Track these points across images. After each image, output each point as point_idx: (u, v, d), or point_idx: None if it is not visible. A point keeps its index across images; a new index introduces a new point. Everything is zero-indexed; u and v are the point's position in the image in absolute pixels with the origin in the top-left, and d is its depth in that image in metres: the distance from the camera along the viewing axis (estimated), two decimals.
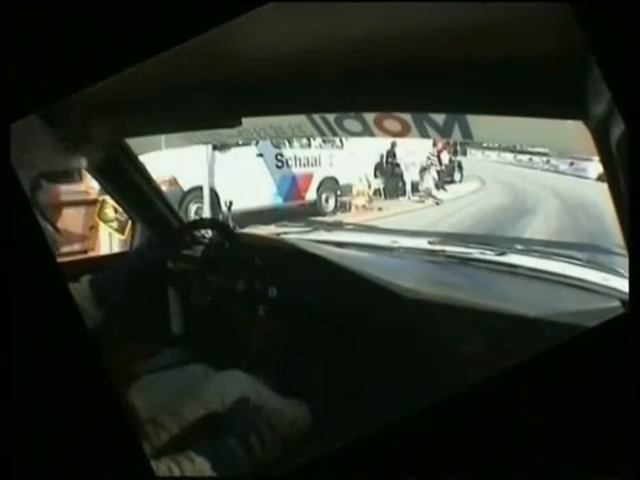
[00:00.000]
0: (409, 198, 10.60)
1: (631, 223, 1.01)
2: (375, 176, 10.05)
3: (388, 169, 10.41)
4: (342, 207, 9.74)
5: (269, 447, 1.45)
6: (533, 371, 1.05)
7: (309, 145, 9.27)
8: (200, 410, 1.51)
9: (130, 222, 2.52)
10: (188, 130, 2.37)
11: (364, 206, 9.78)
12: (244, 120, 1.91)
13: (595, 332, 1.09)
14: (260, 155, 8.45)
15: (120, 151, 2.20)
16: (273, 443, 1.47)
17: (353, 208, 9.77)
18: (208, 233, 2.46)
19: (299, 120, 2.24)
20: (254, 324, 2.03)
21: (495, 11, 1.00)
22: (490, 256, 2.13)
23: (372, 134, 2.13)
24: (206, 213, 7.35)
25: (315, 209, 9.31)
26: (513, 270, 1.99)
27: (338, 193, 9.64)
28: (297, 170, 9.12)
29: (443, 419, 1.03)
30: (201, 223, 3.42)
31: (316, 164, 9.36)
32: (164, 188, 3.68)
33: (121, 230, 2.72)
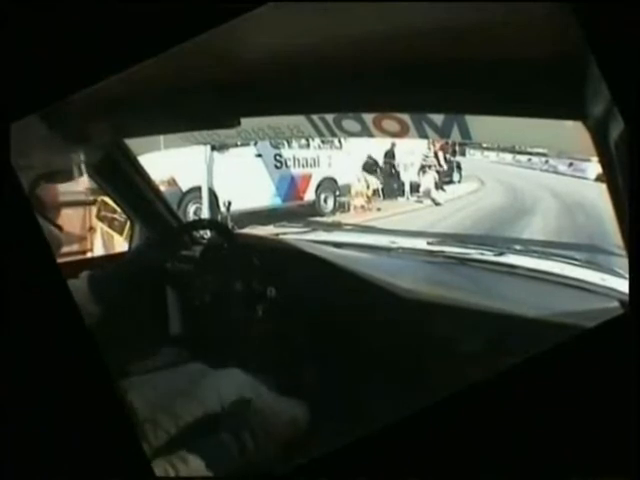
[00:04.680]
0: (408, 199, 10.58)
1: (630, 223, 1.01)
2: (365, 170, 9.94)
3: (386, 169, 10.40)
4: (341, 207, 9.71)
5: (264, 446, 1.45)
6: (532, 371, 1.05)
7: (308, 146, 9.24)
8: (198, 410, 1.51)
9: (129, 223, 2.52)
10: (187, 130, 2.37)
11: (363, 206, 9.75)
12: (243, 120, 1.91)
13: (594, 332, 1.09)
14: (259, 155, 8.42)
15: (119, 151, 2.19)
16: (269, 442, 1.47)
17: (352, 208, 9.74)
18: (207, 233, 2.46)
19: (298, 120, 2.24)
20: (253, 324, 2.03)
21: (495, 11, 1.00)
22: (489, 256, 2.13)
23: (371, 134, 2.13)
24: (205, 213, 7.33)
25: (314, 209, 9.28)
26: (512, 270, 1.99)
27: (337, 193, 9.61)
28: (296, 170, 9.09)
29: (443, 419, 1.03)
30: (200, 223, 3.42)
31: (315, 164, 9.34)
32: (163, 188, 3.67)
33: (120, 231, 2.72)
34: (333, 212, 9.36)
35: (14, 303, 0.96)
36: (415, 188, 10.66)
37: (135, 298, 2.00)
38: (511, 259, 2.10)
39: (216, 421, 1.49)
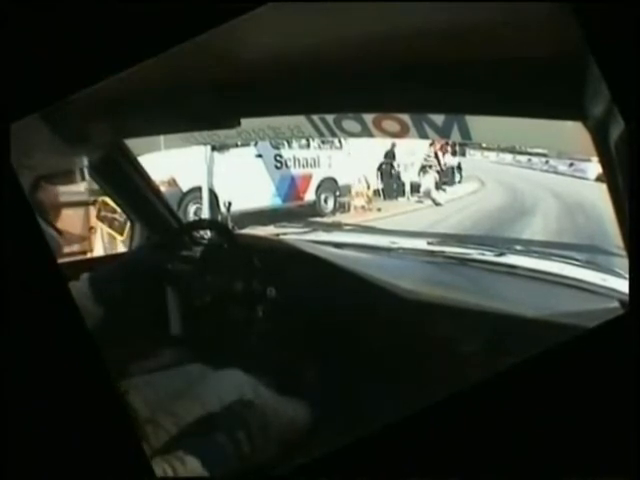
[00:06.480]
0: (408, 199, 10.54)
1: (631, 223, 1.01)
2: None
3: (387, 169, 10.38)
4: (341, 208, 9.68)
5: (261, 446, 1.45)
6: (532, 371, 1.05)
7: (308, 146, 9.22)
8: (198, 410, 1.51)
9: (129, 223, 2.52)
10: (187, 131, 2.37)
11: (363, 207, 9.73)
12: (243, 121, 1.92)
13: (594, 333, 1.09)
14: (259, 156, 8.40)
15: (119, 152, 2.19)
16: (267, 442, 1.47)
17: (352, 209, 9.71)
18: (207, 234, 2.46)
19: (298, 121, 2.24)
20: (253, 324, 2.03)
21: (495, 11, 1.00)
22: (489, 257, 2.12)
23: (371, 135, 2.13)
24: (205, 214, 7.32)
25: (314, 210, 9.25)
26: (512, 271, 1.99)
27: (337, 194, 9.58)
28: (296, 171, 9.07)
29: (443, 419, 1.03)
30: (200, 224, 3.42)
31: (315, 165, 9.31)
32: (163, 189, 3.67)
33: (120, 231, 2.72)
34: (333, 212, 9.33)
35: (14, 303, 0.96)
36: (415, 188, 10.63)
37: (135, 298, 1.99)
38: (511, 259, 2.09)
39: (214, 421, 1.49)
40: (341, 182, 9.48)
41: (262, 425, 1.49)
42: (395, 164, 10.71)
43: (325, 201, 9.44)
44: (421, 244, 2.35)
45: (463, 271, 2.07)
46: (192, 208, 7.37)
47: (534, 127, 1.59)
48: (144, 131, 2.13)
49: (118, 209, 2.66)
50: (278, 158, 8.70)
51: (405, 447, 1.02)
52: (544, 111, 1.27)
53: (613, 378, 1.02)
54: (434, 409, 1.03)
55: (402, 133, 2.07)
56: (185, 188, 7.25)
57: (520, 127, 1.67)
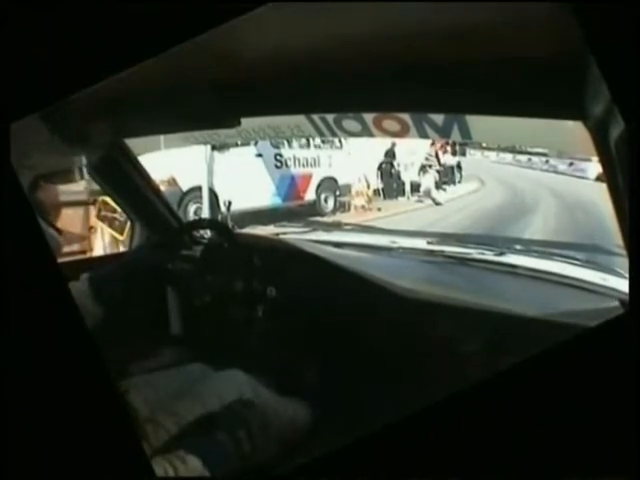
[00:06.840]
0: (408, 198, 10.52)
1: (630, 223, 1.01)
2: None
3: (387, 169, 10.36)
4: (341, 207, 9.67)
5: (261, 445, 1.46)
6: (532, 371, 1.05)
7: (308, 145, 9.20)
8: (199, 410, 1.51)
9: (129, 223, 2.52)
10: (187, 130, 2.37)
11: (363, 206, 9.71)
12: (243, 120, 1.92)
13: (594, 332, 1.09)
14: (259, 155, 8.38)
15: (119, 151, 2.19)
16: (267, 442, 1.48)
17: (352, 208, 9.70)
18: (207, 233, 2.46)
19: (298, 120, 2.24)
20: (253, 324, 2.03)
21: (495, 11, 1.00)
22: (489, 256, 2.12)
23: (371, 134, 2.13)
24: (205, 213, 7.31)
25: (314, 209, 9.23)
26: (512, 270, 1.99)
27: (337, 193, 9.57)
28: (296, 170, 9.05)
29: (443, 419, 1.03)
30: (200, 223, 3.42)
31: (315, 164, 9.30)
32: (163, 188, 3.67)
33: (120, 231, 2.72)
34: (333, 212, 9.32)
35: (14, 303, 0.96)
36: (415, 188, 10.62)
37: (135, 298, 1.99)
38: (511, 259, 2.09)
39: (215, 421, 1.49)
40: (341, 181, 9.47)
41: (262, 425, 1.50)
42: (395, 163, 10.70)
43: (325, 201, 9.42)
44: (421, 243, 2.35)
45: (463, 270, 2.07)
46: (192, 208, 7.36)
47: (534, 127, 1.60)
48: (144, 131, 2.13)
49: (118, 209, 2.66)
50: (278, 157, 8.68)
51: (405, 447, 1.02)
52: (544, 111, 1.27)
53: (613, 378, 1.02)
54: (434, 409, 1.03)
55: (402, 133, 2.07)
56: (185, 188, 7.24)
57: (520, 127, 1.67)
